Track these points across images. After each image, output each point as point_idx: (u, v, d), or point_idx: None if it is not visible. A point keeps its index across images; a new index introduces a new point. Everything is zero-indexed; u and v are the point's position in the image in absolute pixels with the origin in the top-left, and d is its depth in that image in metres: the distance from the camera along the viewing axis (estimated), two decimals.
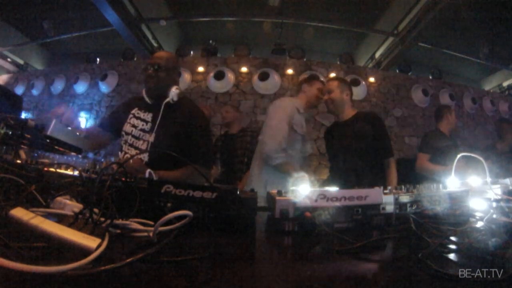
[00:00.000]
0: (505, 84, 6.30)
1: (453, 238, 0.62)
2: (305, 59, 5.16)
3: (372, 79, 5.01)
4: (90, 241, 0.39)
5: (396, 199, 0.73)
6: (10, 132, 0.76)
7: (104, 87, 5.15)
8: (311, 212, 0.67)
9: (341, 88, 2.02)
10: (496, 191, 0.88)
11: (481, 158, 0.90)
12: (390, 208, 0.72)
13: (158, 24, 5.07)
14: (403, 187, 0.78)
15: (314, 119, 4.72)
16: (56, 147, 0.89)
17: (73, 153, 0.99)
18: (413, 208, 0.74)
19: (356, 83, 4.78)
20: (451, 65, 6.03)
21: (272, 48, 5.16)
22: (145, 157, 1.45)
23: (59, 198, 0.58)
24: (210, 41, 5.30)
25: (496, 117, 5.39)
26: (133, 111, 1.59)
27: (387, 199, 0.72)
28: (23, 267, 0.32)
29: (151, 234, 0.50)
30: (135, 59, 5.45)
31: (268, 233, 0.73)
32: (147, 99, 1.56)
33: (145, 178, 0.71)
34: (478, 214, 0.79)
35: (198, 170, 0.70)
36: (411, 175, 2.62)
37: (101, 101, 5.16)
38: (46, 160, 0.89)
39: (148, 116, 1.54)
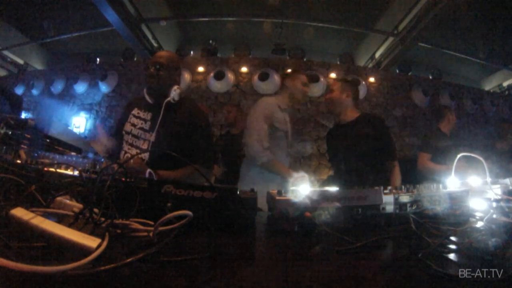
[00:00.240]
0: (505, 84, 6.30)
1: (453, 238, 0.62)
2: (305, 59, 5.17)
3: (372, 79, 5.01)
4: (90, 241, 0.39)
5: (396, 199, 0.73)
6: (10, 132, 0.76)
7: (104, 87, 5.15)
8: (311, 212, 0.67)
9: (341, 88, 2.00)
10: (496, 191, 0.88)
11: (481, 158, 0.90)
12: (390, 208, 0.72)
13: (158, 24, 5.07)
14: (403, 187, 0.78)
15: (314, 119, 4.72)
16: (56, 147, 0.89)
17: (73, 153, 0.99)
18: (413, 208, 0.74)
19: (356, 83, 4.78)
20: (451, 65, 6.03)
21: (272, 48, 5.16)
22: (145, 156, 1.45)
23: (59, 198, 0.58)
24: (210, 41, 5.30)
25: (496, 117, 5.39)
26: (133, 111, 1.60)
27: (387, 199, 0.72)
28: (23, 267, 0.32)
29: (151, 234, 0.50)
30: (135, 59, 5.45)
31: (268, 233, 0.73)
32: (148, 98, 1.57)
33: (145, 178, 0.71)
34: (478, 214, 0.79)
35: (198, 170, 0.70)
36: (411, 175, 2.62)
37: (101, 101, 5.16)
38: (46, 160, 0.89)
39: (148, 115, 1.55)
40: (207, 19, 5.13)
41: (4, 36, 5.65)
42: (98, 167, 0.85)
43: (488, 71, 6.47)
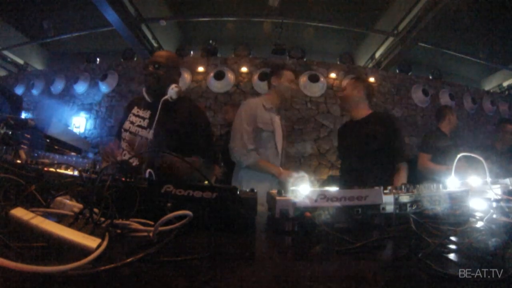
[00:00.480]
0: (505, 84, 6.30)
1: (453, 238, 0.62)
2: (305, 59, 5.17)
3: (372, 79, 5.01)
4: (90, 241, 0.39)
5: (396, 199, 0.73)
6: (10, 132, 0.76)
7: (104, 87, 5.15)
8: (311, 212, 0.67)
9: (353, 86, 1.99)
10: (496, 191, 0.88)
11: (481, 158, 0.90)
12: (390, 208, 0.72)
13: (158, 24, 5.07)
14: (403, 187, 0.78)
15: (314, 119, 4.72)
16: (56, 147, 0.89)
17: (73, 153, 0.99)
18: (413, 208, 0.74)
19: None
20: (451, 65, 6.03)
21: (272, 48, 5.16)
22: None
23: (59, 198, 0.58)
24: (210, 41, 5.30)
25: (496, 117, 5.39)
26: (133, 110, 1.62)
27: (387, 199, 0.72)
28: (23, 267, 0.32)
29: (151, 234, 0.50)
30: (135, 59, 5.45)
31: (268, 233, 0.73)
32: (147, 97, 1.58)
33: (145, 178, 0.71)
34: (478, 214, 0.79)
35: (198, 170, 0.70)
36: (411, 175, 2.62)
37: (101, 101, 5.16)
38: (46, 160, 0.89)
39: (146, 114, 1.56)
40: (207, 19, 5.13)
41: (4, 36, 5.65)
42: (98, 167, 0.85)
43: (488, 71, 6.47)
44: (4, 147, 0.89)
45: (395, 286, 0.42)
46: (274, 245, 0.63)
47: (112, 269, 0.37)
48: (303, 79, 4.81)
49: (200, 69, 4.93)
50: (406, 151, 1.92)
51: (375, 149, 1.83)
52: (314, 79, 4.79)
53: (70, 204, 0.56)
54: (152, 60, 1.54)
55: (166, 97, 1.47)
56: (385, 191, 0.74)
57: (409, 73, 5.35)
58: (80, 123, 5.13)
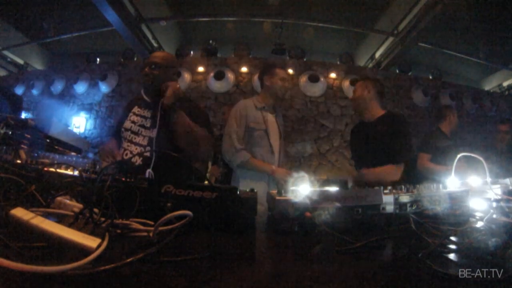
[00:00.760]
0: (505, 84, 6.30)
1: (453, 238, 0.62)
2: (305, 59, 5.16)
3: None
4: (90, 241, 0.39)
5: (396, 199, 0.73)
6: (10, 132, 0.76)
7: (104, 87, 5.15)
8: (311, 212, 0.67)
9: (363, 86, 1.95)
10: (496, 191, 0.88)
11: (481, 158, 0.90)
12: (390, 208, 0.72)
13: (158, 24, 5.07)
14: (403, 187, 0.78)
15: (314, 119, 4.72)
16: (56, 147, 0.89)
17: (73, 153, 0.99)
18: (413, 208, 0.74)
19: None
20: (451, 65, 6.02)
21: (272, 48, 5.15)
22: (147, 151, 1.47)
23: (59, 198, 0.58)
24: (210, 41, 5.29)
25: (496, 117, 5.39)
26: (133, 110, 1.62)
27: (387, 199, 0.72)
28: (23, 267, 0.32)
29: (151, 234, 0.50)
30: (135, 59, 5.45)
31: (268, 233, 0.73)
32: (146, 97, 1.58)
33: (145, 178, 0.71)
34: (478, 214, 0.79)
35: (198, 170, 0.70)
36: (411, 175, 2.62)
37: (101, 101, 5.16)
38: (46, 160, 0.89)
39: (148, 113, 1.57)
40: (207, 19, 5.13)
41: (4, 36, 5.65)
42: (98, 167, 0.85)
43: (488, 71, 6.46)
44: (4, 147, 0.89)
45: (395, 286, 0.42)
46: (274, 245, 0.63)
47: (112, 269, 0.37)
48: (303, 79, 4.81)
49: (200, 69, 4.93)
50: (404, 154, 1.80)
51: (381, 149, 1.80)
52: (314, 79, 4.79)
53: (70, 204, 0.56)
54: (148, 61, 1.55)
55: (162, 99, 1.46)
56: (385, 191, 0.74)
57: (409, 73, 5.35)
58: (80, 123, 5.13)
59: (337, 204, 0.69)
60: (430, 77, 5.50)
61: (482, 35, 5.02)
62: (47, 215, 0.51)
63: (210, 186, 0.65)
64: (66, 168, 0.79)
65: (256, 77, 4.74)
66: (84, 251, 0.37)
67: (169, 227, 0.53)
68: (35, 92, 5.55)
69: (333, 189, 0.72)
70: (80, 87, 5.27)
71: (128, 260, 0.39)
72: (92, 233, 0.43)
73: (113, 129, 1.73)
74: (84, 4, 4.36)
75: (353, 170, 1.85)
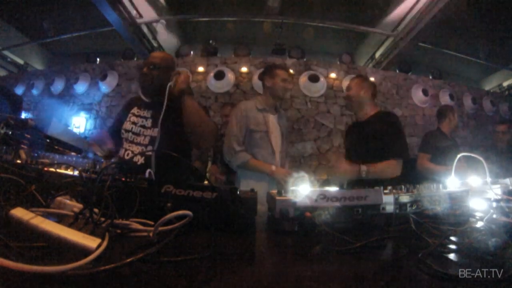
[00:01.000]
0: (505, 84, 6.30)
1: (453, 238, 0.62)
2: (305, 59, 5.16)
3: (372, 79, 5.01)
4: (90, 241, 0.39)
5: (396, 199, 0.73)
6: (10, 132, 0.76)
7: (104, 87, 5.15)
8: (311, 212, 0.67)
9: (359, 85, 1.96)
10: (496, 191, 0.88)
11: (481, 158, 0.90)
12: (390, 208, 0.72)
13: (158, 24, 5.07)
14: (403, 187, 0.78)
15: (314, 119, 4.72)
16: (56, 147, 0.89)
17: (73, 153, 0.99)
18: (413, 208, 0.74)
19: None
20: (451, 65, 6.03)
21: (272, 48, 5.15)
22: (149, 151, 1.47)
23: (59, 198, 0.58)
24: (210, 41, 5.29)
25: (496, 117, 5.39)
26: (132, 110, 1.61)
27: (387, 199, 0.72)
28: (23, 267, 0.32)
29: (151, 234, 0.50)
30: (135, 59, 5.45)
31: (268, 233, 0.73)
32: (144, 98, 1.57)
33: (145, 178, 0.71)
34: (478, 214, 0.79)
35: (198, 170, 0.70)
36: (411, 175, 2.62)
37: (101, 101, 5.16)
38: (46, 160, 0.89)
39: (148, 113, 1.56)
40: (207, 19, 5.13)
41: (4, 36, 5.65)
42: (98, 167, 0.85)
43: (488, 71, 6.47)
44: (4, 147, 0.89)
45: (395, 286, 0.42)
46: (274, 245, 0.63)
47: (112, 269, 0.37)
48: (303, 79, 4.81)
49: (200, 69, 4.93)
50: (400, 148, 1.80)
51: (378, 149, 1.81)
52: (314, 79, 4.79)
53: (70, 204, 0.56)
54: (147, 61, 1.54)
55: (170, 83, 1.44)
56: (385, 191, 0.74)
57: (409, 73, 5.35)
58: (80, 123, 5.13)
59: (337, 204, 0.69)
60: (430, 77, 5.50)
61: (482, 35, 5.02)
62: (47, 215, 0.51)
63: (210, 186, 0.65)
64: (66, 168, 0.79)
65: (256, 77, 4.77)
66: (84, 251, 0.37)
67: (169, 227, 0.53)
68: (35, 92, 5.55)
69: (333, 189, 0.72)
70: (80, 87, 5.27)
71: (128, 260, 0.39)
72: (92, 233, 0.43)
73: (111, 128, 1.72)
74: (84, 4, 4.36)
75: (351, 166, 1.82)
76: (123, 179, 0.68)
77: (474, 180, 0.96)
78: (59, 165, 0.80)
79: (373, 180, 1.76)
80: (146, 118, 1.55)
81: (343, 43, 5.76)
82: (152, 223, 0.56)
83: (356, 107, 1.98)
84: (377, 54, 5.64)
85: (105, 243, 0.39)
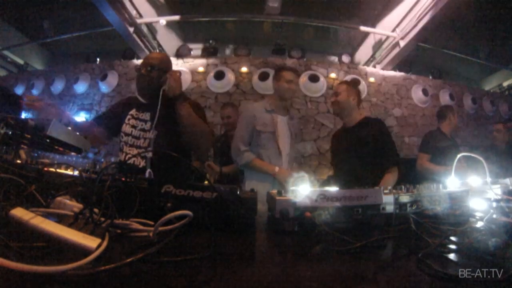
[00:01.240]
0: (505, 84, 6.30)
1: (453, 238, 0.62)
2: (305, 59, 5.17)
3: (372, 79, 5.01)
4: (90, 241, 0.39)
5: (396, 199, 0.73)
6: (10, 132, 0.76)
7: (104, 87, 5.15)
8: (311, 212, 0.67)
9: (348, 92, 2.01)
10: (496, 191, 0.88)
11: (481, 158, 0.90)
12: (390, 208, 0.72)
13: (158, 24, 5.07)
14: (403, 187, 0.78)
15: (314, 119, 4.72)
16: (56, 147, 0.89)
17: (73, 153, 0.99)
18: (413, 208, 0.74)
19: (356, 83, 4.78)
20: (451, 65, 6.02)
21: (272, 48, 5.15)
22: (149, 154, 1.47)
23: (59, 198, 0.58)
24: (210, 41, 5.29)
25: (496, 117, 5.39)
26: (131, 112, 1.59)
27: (387, 199, 0.72)
28: (23, 267, 0.32)
29: (151, 234, 0.50)
30: (135, 59, 5.45)
31: (268, 233, 0.73)
32: (140, 99, 1.57)
33: (145, 178, 0.71)
34: (478, 214, 0.79)
35: (198, 170, 0.70)
36: (411, 175, 2.62)
37: (101, 101, 5.16)
38: (46, 160, 0.89)
39: (147, 116, 1.55)
40: (207, 19, 5.12)
41: (4, 36, 5.65)
42: (98, 167, 0.85)
43: (488, 71, 6.47)
44: (4, 147, 0.89)
45: (395, 286, 0.42)
46: (274, 245, 0.63)
47: (112, 269, 0.37)
48: (303, 79, 4.81)
49: (200, 69, 4.93)
50: (396, 155, 1.91)
51: (368, 154, 1.85)
52: (314, 79, 4.79)
53: (70, 204, 0.56)
54: (145, 62, 1.53)
55: (164, 87, 1.45)
56: (385, 191, 0.74)
57: (409, 73, 5.35)
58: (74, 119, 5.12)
59: (337, 204, 0.69)
60: (430, 77, 5.50)
61: (482, 35, 5.02)
62: (47, 215, 0.51)
63: (210, 186, 0.65)
64: (66, 168, 0.79)
65: (256, 77, 4.77)
66: (84, 251, 0.37)
67: (169, 227, 0.53)
68: (35, 92, 5.54)
69: (333, 189, 0.72)
70: (80, 87, 5.27)
71: (128, 260, 0.39)
72: (92, 233, 0.43)
73: (104, 115, 1.70)
74: (84, 4, 4.36)
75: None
76: (123, 179, 0.68)
77: (474, 180, 0.96)
78: (59, 165, 0.80)
79: (373, 184, 1.79)
80: (145, 121, 1.54)
81: (343, 43, 5.76)
82: (152, 223, 0.56)
83: (344, 113, 2.03)
84: (377, 54, 5.64)
85: (105, 243, 0.39)
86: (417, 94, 5.06)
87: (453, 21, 4.33)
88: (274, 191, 0.73)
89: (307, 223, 0.66)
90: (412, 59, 5.53)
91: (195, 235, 0.60)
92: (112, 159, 1.60)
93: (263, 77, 4.73)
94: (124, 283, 0.37)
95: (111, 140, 1.72)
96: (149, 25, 5.18)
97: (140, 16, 4.85)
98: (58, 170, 0.78)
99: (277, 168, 1.91)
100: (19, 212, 0.43)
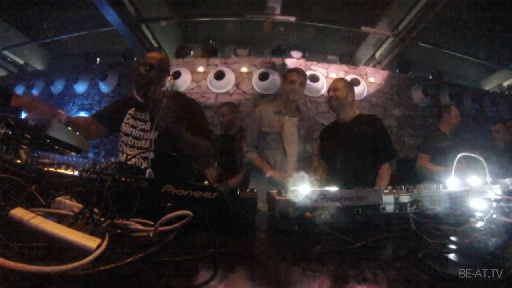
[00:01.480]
0: (505, 84, 6.30)
1: (453, 238, 0.62)
2: (305, 59, 5.16)
3: (372, 79, 5.00)
4: (90, 241, 0.39)
5: (396, 199, 0.73)
6: (10, 132, 0.76)
7: (104, 87, 5.15)
8: (311, 212, 0.67)
9: (347, 88, 2.04)
10: (496, 191, 0.88)
11: (481, 158, 0.90)
12: (390, 208, 0.72)
13: (158, 24, 5.07)
14: (403, 187, 0.78)
15: (314, 119, 4.72)
16: (56, 147, 0.89)
17: (73, 153, 0.99)
18: (413, 208, 0.74)
19: (356, 83, 4.78)
20: (451, 65, 6.02)
21: (272, 48, 5.15)
22: (150, 155, 1.47)
23: (59, 198, 0.58)
24: (210, 41, 5.29)
25: (496, 117, 5.38)
26: (130, 111, 1.59)
27: (387, 199, 0.72)
28: (23, 267, 0.32)
29: (151, 234, 0.50)
30: (135, 59, 5.45)
31: (268, 233, 0.73)
32: (138, 98, 1.56)
33: (145, 178, 0.71)
34: (478, 214, 0.79)
35: (198, 170, 0.70)
36: (411, 175, 2.62)
37: (101, 101, 5.16)
38: (46, 160, 0.89)
39: (146, 116, 1.55)
40: (207, 19, 5.12)
41: (4, 36, 5.65)
42: (98, 167, 0.85)
43: (488, 71, 6.46)
44: (4, 147, 0.89)
45: (395, 286, 0.42)
46: (274, 245, 0.63)
47: (112, 269, 0.37)
48: None
49: (200, 69, 4.92)
50: (392, 148, 1.94)
51: (364, 150, 1.86)
52: (314, 79, 4.78)
53: (70, 204, 0.56)
54: (143, 62, 1.53)
55: (163, 88, 1.47)
56: (385, 191, 0.74)
57: (409, 73, 5.35)
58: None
59: (337, 204, 0.69)
60: (430, 77, 5.50)
61: (482, 35, 5.02)
62: (47, 215, 0.51)
63: (210, 186, 0.65)
64: (66, 168, 0.79)
65: (256, 77, 4.77)
66: (84, 251, 0.37)
67: (169, 227, 0.53)
68: (35, 92, 5.54)
69: (333, 189, 0.72)
70: (80, 87, 5.27)
71: (128, 260, 0.39)
72: (92, 233, 0.43)
73: (98, 113, 1.69)
74: (84, 4, 4.36)
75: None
76: (123, 179, 0.68)
77: (474, 180, 0.95)
78: (59, 165, 0.80)
79: (370, 179, 1.80)
80: (145, 121, 1.54)
81: (343, 43, 5.76)
82: (152, 223, 0.56)
83: (340, 109, 2.05)
84: (377, 54, 5.63)
85: (105, 243, 0.39)
86: (417, 94, 5.06)
87: (453, 21, 4.33)
88: (274, 191, 0.73)
89: (307, 223, 0.66)
90: (412, 59, 5.53)
91: (195, 235, 0.60)
92: (112, 159, 1.60)
93: (263, 77, 4.73)
94: (124, 283, 0.37)
95: (107, 136, 1.72)
96: (149, 25, 5.18)
97: (140, 16, 4.85)
98: (58, 170, 0.78)
99: (271, 171, 1.92)
100: (19, 212, 0.43)
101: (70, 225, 0.45)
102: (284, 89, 2.13)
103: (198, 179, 1.73)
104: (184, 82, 4.76)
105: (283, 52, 5.14)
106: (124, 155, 1.54)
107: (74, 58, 6.05)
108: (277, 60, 4.96)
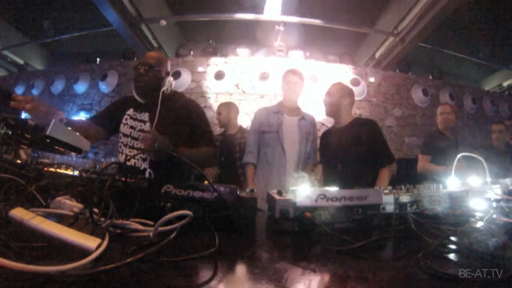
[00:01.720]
0: (505, 84, 6.30)
1: (453, 238, 0.62)
2: (305, 59, 5.16)
3: (372, 79, 5.00)
4: (90, 241, 0.39)
5: (396, 199, 0.73)
6: (10, 132, 0.76)
7: (104, 87, 5.15)
8: (311, 212, 0.67)
9: (341, 93, 2.01)
10: (496, 191, 0.88)
11: (481, 158, 0.90)
12: (390, 208, 0.72)
13: (158, 24, 5.07)
14: (403, 187, 0.78)
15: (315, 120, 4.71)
16: (56, 147, 0.89)
17: (73, 153, 0.99)
18: (413, 208, 0.74)
19: (356, 83, 4.78)
20: (451, 65, 6.03)
21: (272, 48, 5.15)
22: (149, 155, 1.46)
23: (59, 198, 0.58)
24: (210, 41, 5.29)
25: (496, 117, 5.38)
26: (128, 112, 1.58)
27: (387, 199, 0.72)
28: (23, 267, 0.32)
29: (151, 234, 0.50)
30: (135, 59, 5.45)
31: (268, 233, 0.73)
32: (138, 98, 1.56)
33: (145, 178, 0.71)
34: (478, 214, 0.79)
35: (199, 170, 0.70)
36: (411, 175, 2.62)
37: (101, 101, 5.15)
38: (46, 160, 0.89)
39: (145, 116, 1.55)
40: (207, 19, 5.13)
41: (4, 36, 5.65)
42: (98, 167, 0.85)
43: (488, 71, 6.47)
44: (4, 147, 0.89)
45: (395, 286, 0.42)
46: (274, 245, 0.63)
47: (112, 269, 0.37)
48: None
49: (200, 69, 4.92)
50: (389, 154, 1.92)
51: (361, 153, 1.85)
52: (314, 79, 4.79)
53: (70, 204, 0.56)
54: (143, 62, 1.53)
55: (163, 88, 1.49)
56: (385, 191, 0.74)
57: (409, 73, 5.35)
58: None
59: (337, 204, 0.69)
60: (430, 77, 5.50)
61: (482, 35, 5.02)
62: (47, 215, 0.51)
63: (210, 186, 0.65)
64: (66, 168, 0.79)
65: (256, 77, 4.77)
66: (84, 251, 0.37)
67: (169, 227, 0.53)
68: (35, 92, 5.54)
69: (333, 189, 0.72)
70: (80, 87, 5.27)
71: (128, 260, 0.39)
72: (92, 233, 0.43)
73: (97, 115, 1.68)
74: (84, 4, 4.37)
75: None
76: (123, 179, 0.68)
77: (474, 180, 0.95)
78: (59, 165, 0.80)
79: (367, 183, 1.80)
80: (144, 121, 1.54)
81: (343, 43, 5.76)
82: (152, 223, 0.56)
83: (335, 113, 2.03)
84: (377, 54, 5.64)
85: (105, 243, 0.39)
86: (417, 94, 5.06)
87: (453, 21, 4.33)
88: (274, 191, 0.73)
89: (307, 223, 0.66)
90: (412, 59, 5.53)
91: (195, 235, 0.60)
92: (112, 159, 1.60)
93: (263, 77, 4.73)
94: (124, 283, 0.37)
95: (106, 138, 1.72)
96: (149, 25, 5.18)
97: (140, 16, 4.85)
98: (58, 170, 0.78)
99: (250, 187, 1.94)
100: (19, 212, 0.43)
101: (70, 225, 0.45)
102: (282, 89, 2.16)
103: (198, 179, 1.73)
104: (184, 82, 4.76)
105: (283, 52, 5.14)
106: (123, 156, 1.53)
107: (74, 58, 6.06)
108: (277, 60, 4.96)
